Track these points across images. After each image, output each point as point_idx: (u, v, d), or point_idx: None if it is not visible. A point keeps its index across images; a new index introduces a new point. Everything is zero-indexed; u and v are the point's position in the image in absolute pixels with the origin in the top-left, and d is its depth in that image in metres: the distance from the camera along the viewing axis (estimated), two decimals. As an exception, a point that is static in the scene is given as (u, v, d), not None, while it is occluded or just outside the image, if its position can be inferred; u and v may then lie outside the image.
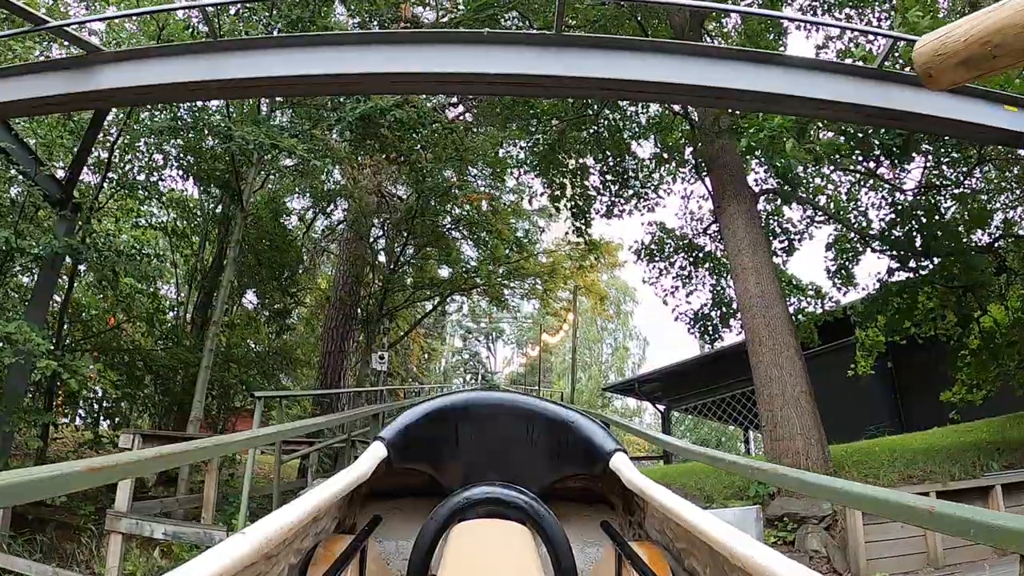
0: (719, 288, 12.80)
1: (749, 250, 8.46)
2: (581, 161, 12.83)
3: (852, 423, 12.25)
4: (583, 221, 12.60)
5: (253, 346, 16.99)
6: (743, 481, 7.60)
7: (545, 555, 1.63)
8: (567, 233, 13.22)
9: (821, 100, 5.42)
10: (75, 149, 10.11)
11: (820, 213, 11.27)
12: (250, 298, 16.92)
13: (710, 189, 12.36)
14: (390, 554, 2.48)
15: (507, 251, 19.39)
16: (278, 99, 10.04)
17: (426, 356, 32.63)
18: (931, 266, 8.80)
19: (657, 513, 1.92)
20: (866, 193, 11.69)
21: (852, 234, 10.72)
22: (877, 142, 7.25)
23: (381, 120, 9.51)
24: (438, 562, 1.55)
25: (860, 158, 8.22)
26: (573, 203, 12.63)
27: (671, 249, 13.12)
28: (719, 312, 12.62)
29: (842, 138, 7.29)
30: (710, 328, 12.56)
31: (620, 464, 2.17)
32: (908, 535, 6.05)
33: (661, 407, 21.59)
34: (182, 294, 14.47)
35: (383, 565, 2.37)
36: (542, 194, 13.81)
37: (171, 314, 14.45)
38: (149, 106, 8.91)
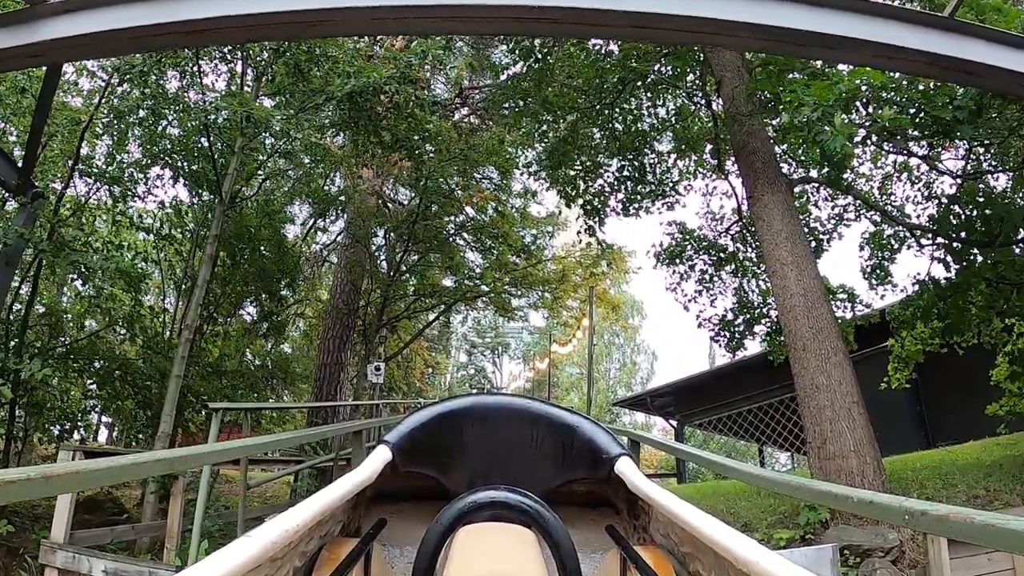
0: (743, 292, 11.88)
1: (788, 243, 7.51)
2: (595, 159, 11.98)
3: (878, 436, 11.40)
4: (597, 220, 11.68)
5: (251, 358, 16.07)
6: (787, 505, 6.61)
7: (550, 559, 1.61)
8: (580, 232, 12.30)
9: (891, 46, 4.54)
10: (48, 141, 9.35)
11: (860, 203, 10.31)
12: (249, 311, 16.05)
13: (733, 186, 11.52)
14: (395, 557, 2.49)
15: (514, 258, 18.54)
16: (261, 87, 9.23)
17: (430, 370, 31.63)
18: (987, 260, 7.83)
19: (662, 517, 1.92)
20: (901, 186, 10.83)
21: (893, 227, 9.77)
22: (936, 116, 6.34)
23: (375, 101, 8.68)
24: (443, 566, 1.58)
25: (917, 135, 7.31)
26: (587, 201, 11.74)
27: (692, 251, 12.21)
28: (744, 318, 11.67)
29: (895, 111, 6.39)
30: (735, 335, 11.58)
31: (625, 468, 2.15)
32: (997, 569, 5.07)
33: (673, 422, 20.62)
34: (168, 299, 13.58)
35: (387, 568, 2.36)
36: (548, 189, 12.94)
37: (159, 321, 13.62)
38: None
